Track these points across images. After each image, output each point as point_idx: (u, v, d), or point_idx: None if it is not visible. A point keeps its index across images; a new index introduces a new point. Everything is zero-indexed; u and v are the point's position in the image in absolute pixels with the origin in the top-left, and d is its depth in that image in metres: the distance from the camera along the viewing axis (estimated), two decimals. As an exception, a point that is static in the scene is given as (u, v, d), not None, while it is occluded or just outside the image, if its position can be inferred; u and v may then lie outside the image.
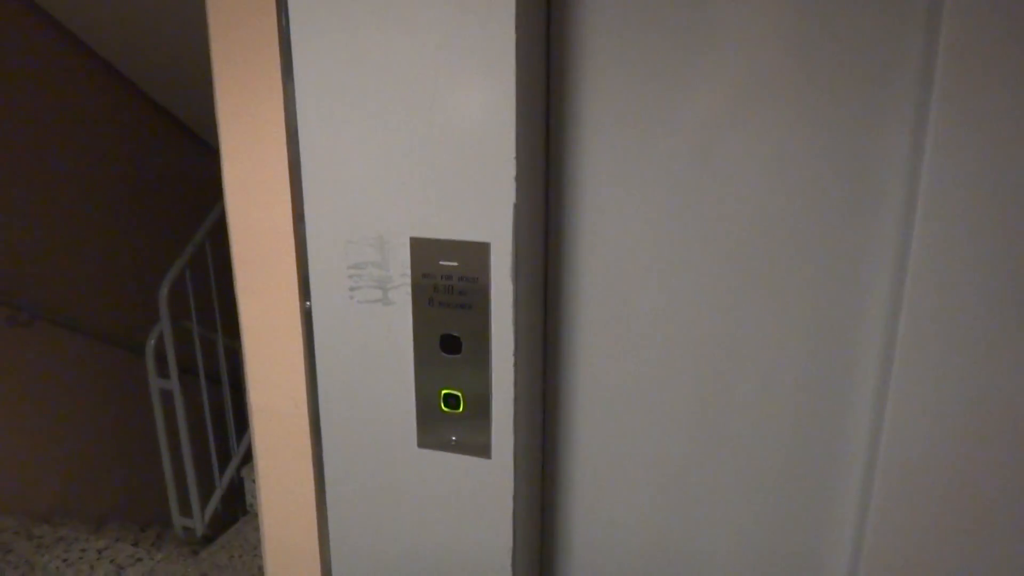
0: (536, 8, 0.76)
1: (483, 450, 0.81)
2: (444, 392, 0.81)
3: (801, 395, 0.82)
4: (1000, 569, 0.76)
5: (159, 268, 2.85)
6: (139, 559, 2.64)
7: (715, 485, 0.87)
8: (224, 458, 3.22)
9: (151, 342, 2.79)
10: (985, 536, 0.75)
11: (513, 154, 0.72)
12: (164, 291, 2.75)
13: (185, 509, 2.97)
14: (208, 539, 3.02)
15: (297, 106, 0.79)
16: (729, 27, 0.75)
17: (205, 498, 3.01)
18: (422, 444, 0.83)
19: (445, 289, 0.77)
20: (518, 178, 0.73)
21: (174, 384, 2.82)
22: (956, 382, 0.72)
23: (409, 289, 0.79)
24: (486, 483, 0.82)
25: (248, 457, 3.29)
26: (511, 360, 0.78)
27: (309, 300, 0.84)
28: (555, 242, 0.85)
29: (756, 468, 0.85)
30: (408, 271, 0.78)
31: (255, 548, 2.87)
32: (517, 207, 0.73)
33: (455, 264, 0.77)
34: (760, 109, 0.76)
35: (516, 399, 0.79)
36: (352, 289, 0.81)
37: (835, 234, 0.77)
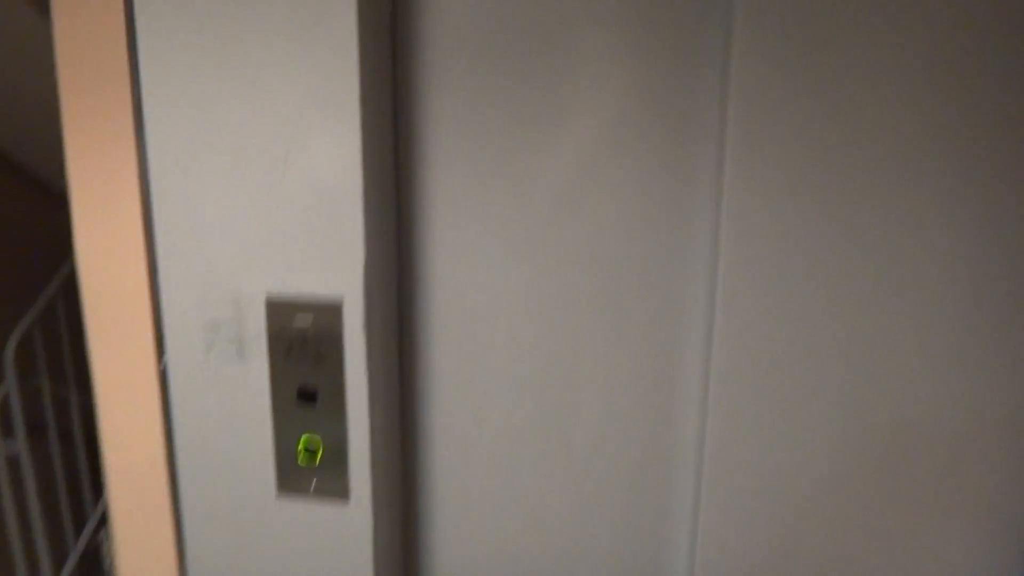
0: (381, 74, 0.82)
1: (342, 494, 0.84)
2: (302, 440, 0.84)
3: (635, 410, 0.90)
4: (811, 554, 0.86)
5: (4, 324, 2.68)
6: (-18, 638, 2.44)
7: (567, 508, 0.94)
8: (79, 523, 3.03)
9: (-5, 402, 2.61)
10: (796, 525, 0.86)
11: (361, 214, 0.77)
12: (11, 348, 2.59)
13: (35, 580, 2.77)
14: (62, 610, 2.82)
15: (149, 163, 0.81)
16: (568, 98, 0.84)
17: (58, 566, 2.82)
18: (281, 493, 0.86)
19: (300, 343, 0.81)
20: (367, 236, 0.78)
21: (21, 445, 2.65)
22: (766, 391, 0.83)
23: (265, 345, 0.82)
24: (346, 526, 0.85)
25: (105, 520, 3.11)
26: (366, 408, 0.82)
27: (164, 357, 0.85)
28: (408, 290, 0.91)
29: (600, 484, 0.93)
30: (264, 327, 0.81)
31: (115, 616, 2.70)
32: (367, 264, 0.78)
33: (310, 317, 0.80)
34: (593, 167, 0.85)
35: (372, 444, 0.83)
36: (208, 345, 0.83)
37: (658, 268, 0.86)
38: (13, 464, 2.66)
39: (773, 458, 0.85)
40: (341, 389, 0.81)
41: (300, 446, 0.84)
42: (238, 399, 0.84)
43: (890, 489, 0.85)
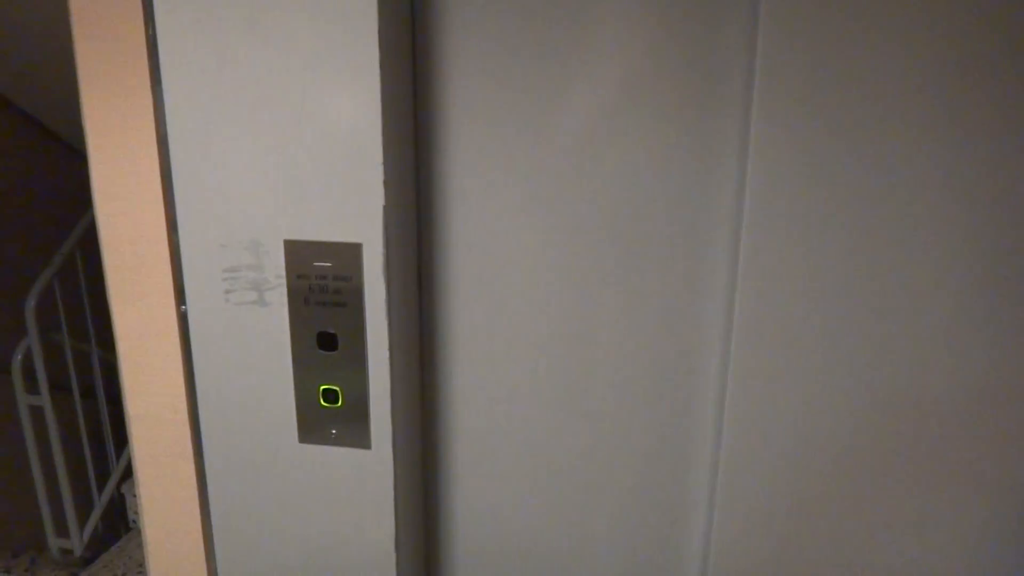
0: (400, 18, 0.80)
1: (363, 442, 0.84)
2: (323, 388, 0.84)
3: (653, 371, 0.90)
4: (828, 540, 0.86)
5: (24, 279, 2.70)
6: (12, 586, 2.51)
7: (584, 467, 0.94)
8: (103, 475, 3.09)
9: (18, 357, 2.65)
10: (810, 514, 0.85)
11: (380, 159, 0.76)
12: (31, 303, 2.62)
13: (62, 530, 2.84)
14: (88, 560, 2.89)
15: (166, 112, 0.80)
16: (590, 48, 0.82)
17: (83, 518, 2.89)
18: (303, 439, 0.86)
19: (320, 289, 0.80)
20: (387, 182, 0.77)
21: (45, 400, 2.69)
22: (784, 383, 0.82)
23: (285, 290, 0.81)
24: (367, 474, 0.86)
25: (128, 472, 3.17)
26: (386, 355, 0.81)
27: (184, 304, 0.85)
28: (427, 240, 0.90)
29: (619, 447, 0.92)
30: (283, 272, 0.81)
31: (139, 565, 2.77)
32: (387, 209, 0.77)
33: (329, 264, 0.79)
34: (615, 122, 0.83)
35: (392, 392, 0.83)
36: (228, 292, 0.83)
37: (680, 226, 0.85)
38: (37, 417, 2.71)
39: (793, 434, 0.84)
40: (362, 335, 0.81)
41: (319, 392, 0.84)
42: (258, 345, 0.84)
43: (909, 489, 0.84)
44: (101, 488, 3.05)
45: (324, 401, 0.84)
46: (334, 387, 0.83)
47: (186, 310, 0.85)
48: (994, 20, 0.72)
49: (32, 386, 2.68)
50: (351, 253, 0.79)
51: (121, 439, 3.10)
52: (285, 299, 0.81)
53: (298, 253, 0.80)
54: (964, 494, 0.84)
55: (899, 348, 0.80)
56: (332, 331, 0.82)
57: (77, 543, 2.84)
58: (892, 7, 0.73)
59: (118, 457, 3.21)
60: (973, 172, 0.75)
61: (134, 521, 3.22)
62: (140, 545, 2.76)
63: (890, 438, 0.83)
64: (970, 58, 0.73)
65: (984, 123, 0.74)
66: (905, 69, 0.74)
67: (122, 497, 3.21)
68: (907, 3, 0.73)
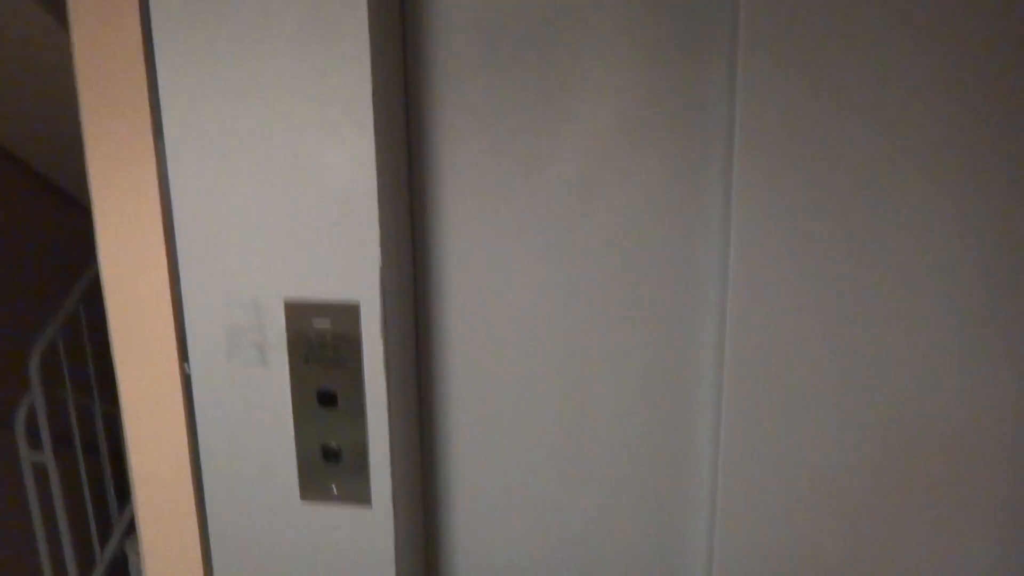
0: (394, 78, 0.83)
1: (363, 498, 0.85)
2: (323, 445, 0.85)
3: (650, 410, 0.91)
4: (827, 555, 0.86)
5: (27, 334, 2.72)
6: (12, 647, 2.47)
7: (585, 527, 0.94)
8: (105, 532, 3.06)
9: (21, 413, 2.65)
10: (813, 525, 0.86)
11: (376, 217, 0.78)
12: (35, 359, 2.63)
13: (64, 589, 2.80)
14: (90, 619, 2.86)
15: (169, 173, 0.82)
16: (579, 93, 0.84)
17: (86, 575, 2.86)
18: (304, 496, 0.87)
19: (319, 347, 0.82)
20: (383, 239, 0.79)
21: (48, 459, 2.68)
22: (779, 390, 0.83)
23: (285, 349, 0.83)
24: (368, 531, 0.86)
25: (131, 529, 3.14)
26: (385, 411, 0.82)
27: (187, 363, 0.87)
28: (423, 296, 0.91)
29: (617, 486, 0.93)
30: (284, 332, 0.82)
31: (141, 624, 2.73)
32: (383, 268, 0.79)
33: (328, 323, 0.81)
34: (605, 162, 0.85)
35: (392, 447, 0.84)
36: (230, 351, 0.84)
37: (671, 266, 0.87)
38: (40, 473, 2.69)
39: (787, 457, 0.85)
40: (361, 392, 0.82)
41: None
42: (260, 404, 0.85)
43: (903, 487, 0.85)
44: (103, 543, 3.02)
45: (325, 458, 0.85)
46: (335, 444, 0.84)
47: (189, 369, 0.87)
48: (968, 91, 0.75)
49: (34, 441, 2.67)
50: (349, 312, 0.80)
51: (123, 493, 3.09)
52: (286, 358, 0.83)
53: (298, 313, 0.81)
54: (963, 502, 0.84)
55: (890, 368, 0.82)
56: (332, 388, 0.83)
57: (79, 602, 2.81)
58: (873, 33, 0.76)
59: (120, 512, 3.19)
60: (966, 201, 0.78)
61: (136, 577, 3.18)
62: (142, 603, 2.72)
63: (885, 459, 0.84)
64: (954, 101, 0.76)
65: (960, 184, 0.77)
66: (880, 122, 0.77)
67: (124, 556, 3.18)
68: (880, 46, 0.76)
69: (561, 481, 0.94)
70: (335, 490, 0.86)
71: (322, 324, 0.81)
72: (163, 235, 0.86)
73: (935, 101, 0.76)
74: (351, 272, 0.80)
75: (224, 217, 0.81)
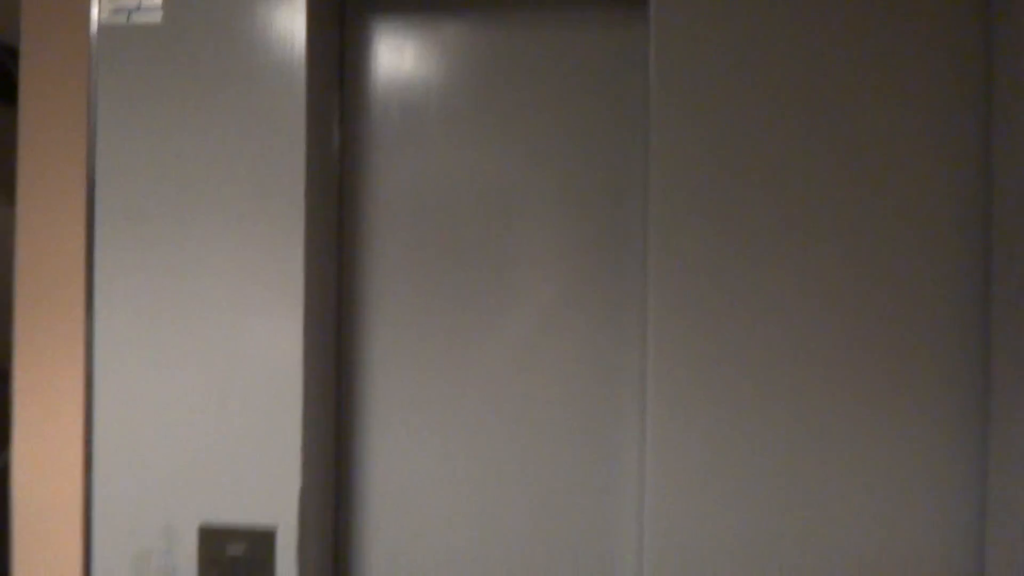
0: (326, 301, 0.86)
1: None
2: None
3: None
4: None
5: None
6: None
7: None
8: None
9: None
10: None
11: (300, 442, 0.78)
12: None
13: None
14: None
15: (95, 390, 0.82)
16: (501, 300, 0.88)
17: None
18: None
19: (231, 573, 0.79)
20: (304, 463, 0.78)
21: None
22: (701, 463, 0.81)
23: (195, 574, 0.79)
24: None
25: None
26: (299, 644, 0.78)
27: (90, 590, 0.82)
28: (345, 520, 0.90)
29: None
30: (195, 558, 0.79)
31: None
32: (303, 490, 0.78)
33: (242, 548, 0.78)
34: (523, 370, 0.88)
35: None
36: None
37: (591, 456, 0.87)
38: None
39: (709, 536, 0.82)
40: (273, 620, 0.79)
41: None
42: (164, 636, 0.80)
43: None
44: None
45: None
46: None
47: (90, 598, 0.82)
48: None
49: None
50: (265, 539, 0.78)
51: None
52: (195, 586, 0.79)
53: (212, 538, 0.79)
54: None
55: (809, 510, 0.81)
56: (243, 616, 0.79)
57: None
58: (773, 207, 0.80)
59: None
60: (866, 358, 0.80)
61: None
62: None
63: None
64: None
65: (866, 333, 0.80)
66: (787, 272, 0.81)
67: None
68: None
69: None
70: None
71: (236, 550, 0.78)
72: (82, 449, 0.84)
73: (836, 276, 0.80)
74: (270, 496, 0.78)
75: (143, 435, 0.81)
